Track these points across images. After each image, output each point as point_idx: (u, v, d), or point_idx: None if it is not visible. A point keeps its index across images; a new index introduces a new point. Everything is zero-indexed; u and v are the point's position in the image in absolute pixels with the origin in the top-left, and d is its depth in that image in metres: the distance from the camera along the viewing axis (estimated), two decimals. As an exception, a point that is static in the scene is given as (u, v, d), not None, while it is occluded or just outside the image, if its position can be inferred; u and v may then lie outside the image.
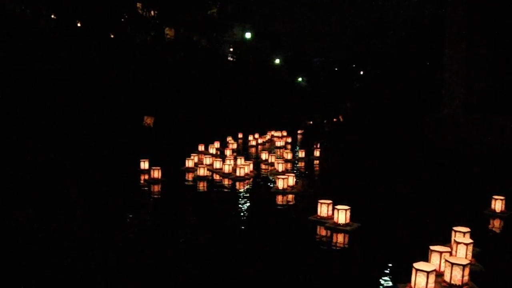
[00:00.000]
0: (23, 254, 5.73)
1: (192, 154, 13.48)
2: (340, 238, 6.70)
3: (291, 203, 9.35)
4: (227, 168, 11.96)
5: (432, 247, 5.09)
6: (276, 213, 8.55)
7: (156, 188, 10.36)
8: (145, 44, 25.81)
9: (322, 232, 6.98)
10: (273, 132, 24.60)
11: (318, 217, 7.45)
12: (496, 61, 20.22)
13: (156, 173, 10.87)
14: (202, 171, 11.69)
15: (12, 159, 12.89)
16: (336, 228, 6.95)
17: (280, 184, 9.94)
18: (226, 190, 10.52)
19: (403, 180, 12.22)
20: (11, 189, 9.49)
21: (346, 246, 6.49)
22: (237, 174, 11.53)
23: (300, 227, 7.37)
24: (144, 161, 11.95)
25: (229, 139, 19.33)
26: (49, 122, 16.92)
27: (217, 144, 16.72)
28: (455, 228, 5.89)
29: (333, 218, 7.21)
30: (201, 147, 16.31)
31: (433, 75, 28.52)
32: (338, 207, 7.09)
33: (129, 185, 10.79)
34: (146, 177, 11.20)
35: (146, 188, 10.36)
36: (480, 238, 5.98)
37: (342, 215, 7.00)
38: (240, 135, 22.44)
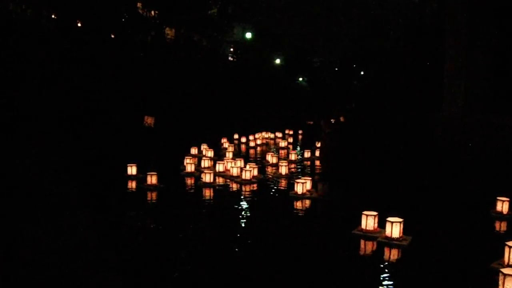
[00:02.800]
0: (22, 254, 5.68)
1: (186, 157, 12.76)
2: (397, 254, 6.05)
3: (318, 211, 8.62)
4: (235, 171, 11.27)
5: (504, 270, 4.60)
6: (307, 224, 7.67)
7: (156, 197, 9.32)
8: (145, 44, 25.77)
9: (372, 247, 6.30)
10: (263, 133, 23.61)
11: (364, 231, 6.72)
12: (496, 60, 20.17)
13: (154, 179, 9.80)
14: (208, 177, 10.48)
15: (9, 159, 12.80)
16: (390, 243, 6.29)
17: (299, 189, 9.25)
18: (238, 196, 9.68)
19: (415, 181, 11.82)
20: (8, 189, 9.40)
21: (408, 263, 5.82)
22: (243, 177, 10.85)
23: (344, 241, 6.52)
24: (131, 166, 10.77)
25: (224, 140, 18.77)
26: (48, 122, 16.86)
27: (204, 146, 15.85)
28: (509, 244, 5.40)
29: (379, 231, 6.60)
30: (194, 150, 15.38)
31: (433, 75, 28.46)
32: (391, 219, 6.41)
33: (117, 193, 9.65)
34: (135, 184, 10.20)
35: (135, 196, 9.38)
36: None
37: (396, 229, 6.34)
38: (235, 136, 21.80)
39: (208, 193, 9.88)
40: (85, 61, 19.76)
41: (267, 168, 13.42)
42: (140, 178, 10.51)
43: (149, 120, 22.21)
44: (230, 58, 41.15)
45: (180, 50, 28.40)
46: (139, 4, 26.12)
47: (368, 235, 6.62)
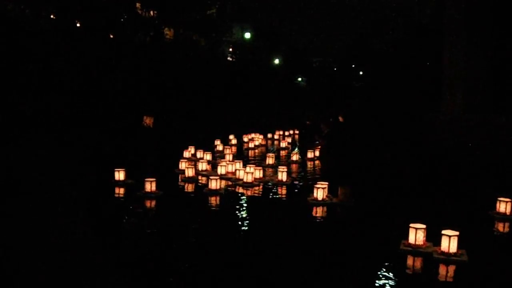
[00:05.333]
0: (21, 254, 5.63)
1: (181, 160, 12.32)
2: (456, 271, 5.47)
3: (344, 220, 7.97)
4: (241, 174, 10.87)
5: None
6: (341, 237, 6.89)
7: (158, 205, 8.41)
8: (144, 44, 25.71)
9: (425, 264, 5.68)
10: (252, 135, 22.67)
11: (413, 246, 6.01)
12: (496, 61, 20.18)
13: (153, 186, 9.08)
14: (214, 183, 9.63)
15: (7, 159, 12.72)
16: (449, 259, 5.66)
17: (320, 194, 8.68)
18: (250, 201, 9.10)
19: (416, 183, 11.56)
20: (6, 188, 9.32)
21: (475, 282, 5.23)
22: (246, 179, 10.46)
23: (393, 258, 5.80)
24: (119, 171, 10.00)
25: (218, 142, 18.27)
26: (46, 123, 16.79)
27: (192, 148, 15.21)
28: None
29: (428, 246, 6.06)
30: (187, 153, 14.65)
31: (432, 75, 28.46)
32: (448, 232, 5.82)
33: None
34: (122, 190, 9.47)
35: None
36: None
37: (453, 243, 5.77)
38: (231, 137, 21.16)
39: (216, 199, 9.11)
40: (84, 61, 19.70)
41: (268, 169, 13.07)
42: (129, 184, 9.84)
43: (148, 121, 22.06)
44: (229, 58, 41.12)
45: (179, 50, 28.35)
46: (138, 4, 26.08)
47: (419, 251, 5.96)
